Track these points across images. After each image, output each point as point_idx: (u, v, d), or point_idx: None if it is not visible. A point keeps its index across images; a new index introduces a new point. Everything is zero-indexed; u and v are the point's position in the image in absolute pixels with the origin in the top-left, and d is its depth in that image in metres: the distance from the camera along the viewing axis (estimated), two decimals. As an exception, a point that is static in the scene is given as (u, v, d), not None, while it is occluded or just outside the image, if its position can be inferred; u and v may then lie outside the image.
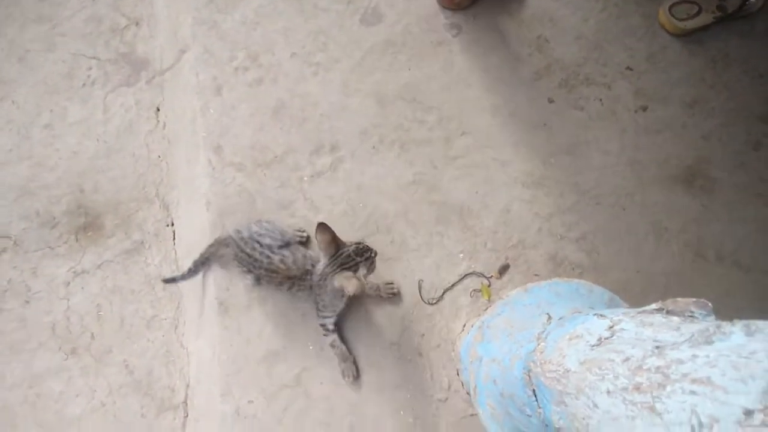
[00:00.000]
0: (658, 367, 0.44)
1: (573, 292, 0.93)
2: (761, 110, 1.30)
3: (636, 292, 1.20)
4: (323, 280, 1.01)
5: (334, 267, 0.99)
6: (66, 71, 1.59)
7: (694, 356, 0.42)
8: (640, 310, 0.60)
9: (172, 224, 1.47)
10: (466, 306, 1.16)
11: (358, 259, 0.98)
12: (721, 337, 0.42)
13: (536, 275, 1.18)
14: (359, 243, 1.01)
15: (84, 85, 1.58)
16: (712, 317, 0.54)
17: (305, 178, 1.25)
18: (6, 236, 1.50)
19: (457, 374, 1.12)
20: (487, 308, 1.11)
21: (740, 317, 1.09)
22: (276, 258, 1.03)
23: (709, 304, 0.55)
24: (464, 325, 1.13)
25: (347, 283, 0.93)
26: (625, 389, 0.45)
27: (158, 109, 1.54)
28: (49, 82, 1.59)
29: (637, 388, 0.44)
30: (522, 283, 1.17)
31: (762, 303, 1.19)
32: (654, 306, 0.59)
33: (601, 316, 0.62)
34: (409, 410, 1.12)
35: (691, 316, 0.53)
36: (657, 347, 0.46)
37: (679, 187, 1.24)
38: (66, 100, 1.57)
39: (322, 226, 0.98)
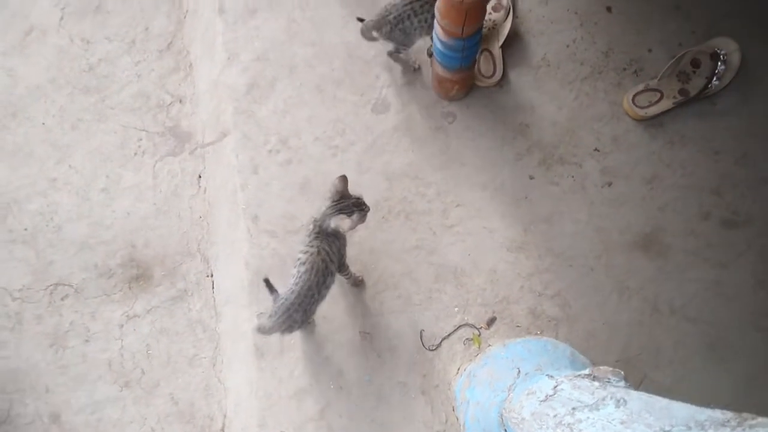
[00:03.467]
0: (569, 423, 0.67)
1: (541, 348, 1.17)
2: (714, 184, 1.54)
3: (602, 340, 1.43)
4: (323, 222, 1.19)
5: (333, 210, 1.19)
6: (119, 141, 1.87)
7: (588, 418, 0.66)
8: (577, 373, 0.84)
9: (212, 275, 1.73)
10: (460, 352, 1.41)
11: (355, 209, 1.19)
12: (603, 406, 0.66)
13: (518, 326, 1.42)
14: (359, 198, 1.22)
15: (135, 154, 1.85)
16: (623, 383, 0.77)
17: (326, 243, 1.50)
18: (68, 284, 1.77)
19: (453, 410, 1.36)
20: (477, 355, 1.35)
21: (688, 362, 1.33)
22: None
23: (622, 372, 0.79)
24: (458, 369, 1.37)
25: (342, 222, 1.14)
26: (551, 436, 0.69)
27: (200, 176, 1.81)
28: (104, 151, 1.86)
29: (557, 436, 0.68)
30: (507, 333, 1.42)
31: (705, 350, 1.42)
32: (586, 371, 0.83)
33: (551, 377, 0.86)
34: (413, 440, 1.35)
35: (608, 381, 0.77)
36: (573, 408, 0.70)
37: (638, 251, 1.48)
38: (120, 167, 1.85)
39: (343, 178, 1.20)
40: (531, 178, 1.54)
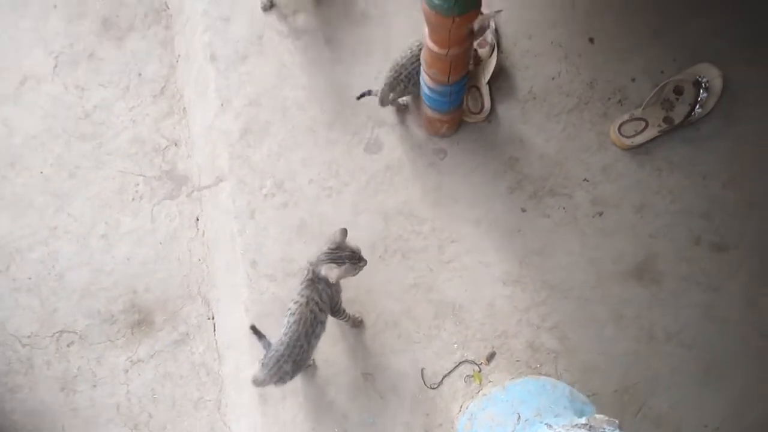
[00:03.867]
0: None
1: (540, 388, 1.19)
2: (703, 209, 1.57)
3: (601, 371, 1.45)
4: (316, 267, 1.23)
5: (326, 258, 1.22)
6: (117, 187, 1.89)
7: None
8: (574, 423, 0.87)
9: (213, 318, 1.75)
10: (462, 389, 1.43)
11: (347, 261, 1.22)
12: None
13: (518, 360, 1.45)
14: (356, 251, 1.24)
15: (133, 199, 1.88)
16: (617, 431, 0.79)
17: (325, 285, 1.52)
18: (73, 331, 1.79)
19: (457, 448, 1.38)
20: (478, 392, 1.37)
21: (684, 387, 1.36)
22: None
23: (616, 421, 0.81)
24: (461, 407, 1.39)
25: (330, 272, 1.18)
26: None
27: (197, 219, 1.83)
28: (102, 197, 1.89)
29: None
30: (506, 368, 1.44)
31: (700, 374, 1.45)
32: (582, 420, 0.85)
33: (549, 426, 0.88)
34: (418, 480, 1.37)
35: (603, 431, 0.79)
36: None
37: (631, 279, 1.51)
38: (118, 212, 1.87)
39: (343, 231, 1.24)
40: (523, 210, 1.57)
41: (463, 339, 1.47)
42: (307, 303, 1.23)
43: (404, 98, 1.61)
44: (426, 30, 1.17)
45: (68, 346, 1.78)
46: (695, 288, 1.50)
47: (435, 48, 1.16)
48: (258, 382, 1.26)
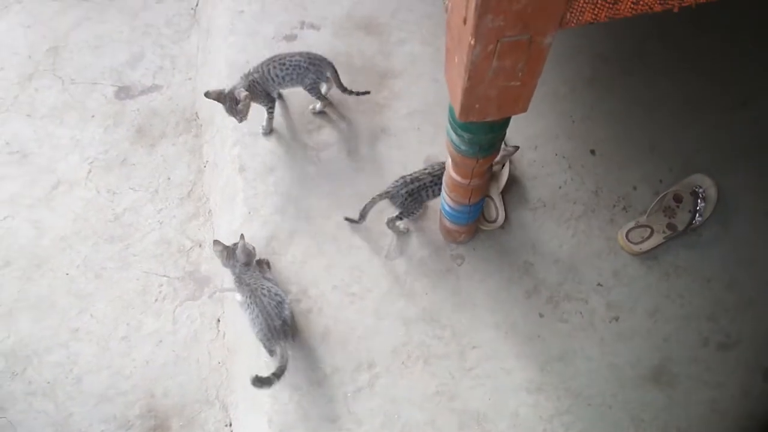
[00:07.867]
0: None
1: None
2: (709, 311, 1.63)
3: (629, 483, 1.44)
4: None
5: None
6: (140, 288, 1.94)
7: None
8: None
9: (231, 425, 1.73)
10: (491, 507, 1.40)
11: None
12: None
13: (546, 475, 1.43)
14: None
15: (156, 300, 1.92)
16: None
17: (349, 394, 1.54)
18: (86, 439, 1.75)
19: None
20: None
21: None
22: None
23: None
24: None
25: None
26: None
27: (219, 320, 1.87)
28: (126, 298, 1.93)
29: None
30: (534, 483, 1.42)
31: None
32: None
33: None
34: None
35: None
36: None
37: (649, 383, 1.54)
38: (141, 314, 1.90)
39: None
40: (541, 316, 1.62)
41: (490, 451, 1.46)
42: (252, 293, 1.51)
43: (403, 223, 1.71)
44: (449, 161, 1.28)
45: (80, 453, 1.74)
46: (703, 386, 1.54)
47: (458, 179, 1.27)
48: (282, 360, 1.43)
